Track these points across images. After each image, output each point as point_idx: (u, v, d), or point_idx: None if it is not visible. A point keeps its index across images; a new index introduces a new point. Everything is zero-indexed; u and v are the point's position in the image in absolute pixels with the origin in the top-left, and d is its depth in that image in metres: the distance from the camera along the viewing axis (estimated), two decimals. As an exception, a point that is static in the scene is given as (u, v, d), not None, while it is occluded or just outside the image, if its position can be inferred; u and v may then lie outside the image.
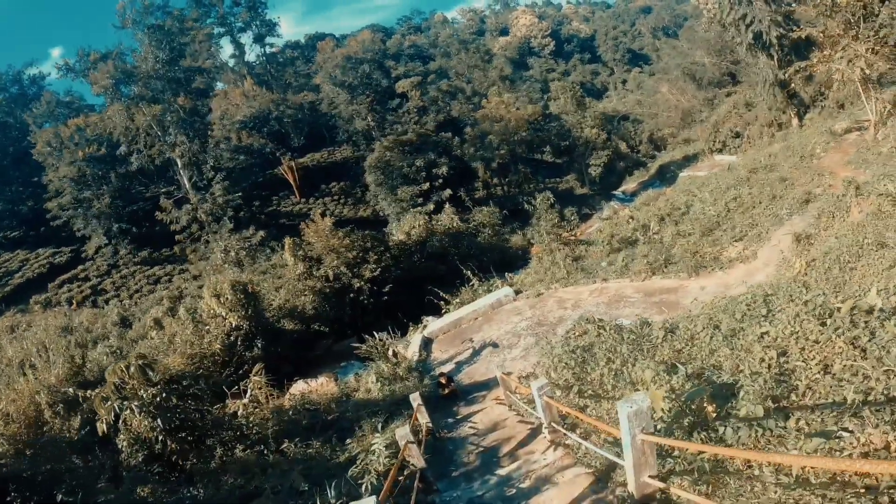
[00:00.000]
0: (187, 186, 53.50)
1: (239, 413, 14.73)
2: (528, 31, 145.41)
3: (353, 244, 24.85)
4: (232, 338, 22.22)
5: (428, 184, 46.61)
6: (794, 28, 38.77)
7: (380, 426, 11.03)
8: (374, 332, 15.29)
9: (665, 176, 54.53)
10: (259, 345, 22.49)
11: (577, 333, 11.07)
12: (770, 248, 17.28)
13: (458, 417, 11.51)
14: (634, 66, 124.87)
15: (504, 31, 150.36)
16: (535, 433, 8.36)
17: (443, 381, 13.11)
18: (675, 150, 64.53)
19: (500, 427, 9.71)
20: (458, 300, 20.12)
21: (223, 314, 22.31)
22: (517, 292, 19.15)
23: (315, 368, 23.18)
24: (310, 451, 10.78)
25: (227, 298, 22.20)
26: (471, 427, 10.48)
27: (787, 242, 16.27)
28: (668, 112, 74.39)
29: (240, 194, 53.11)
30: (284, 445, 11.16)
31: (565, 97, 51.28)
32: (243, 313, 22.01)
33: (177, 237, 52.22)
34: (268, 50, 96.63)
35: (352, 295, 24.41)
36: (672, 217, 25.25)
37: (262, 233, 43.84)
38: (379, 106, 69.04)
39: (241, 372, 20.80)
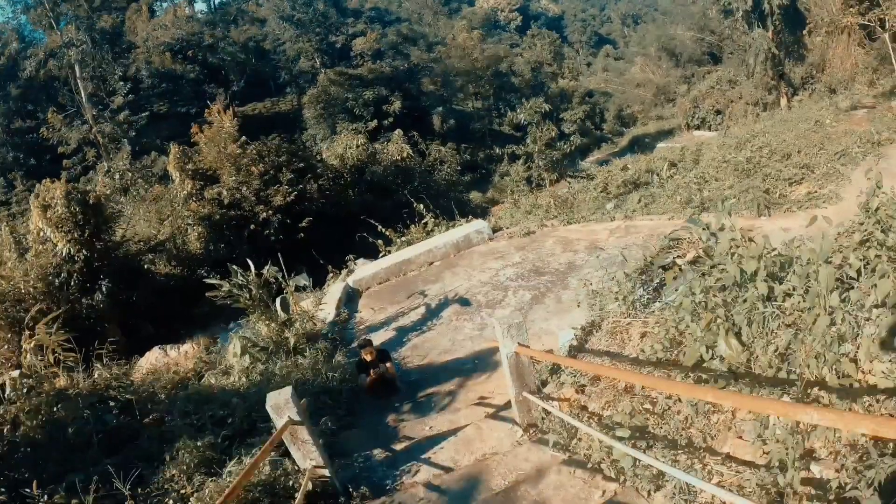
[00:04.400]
0: (83, 100, 43.66)
1: (6, 392, 7.83)
2: (496, 3, 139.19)
3: (262, 156, 17.68)
4: (63, 274, 14.87)
5: (376, 121, 39.26)
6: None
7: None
8: (251, 265, 8.36)
9: (638, 148, 50.13)
10: (104, 288, 15.25)
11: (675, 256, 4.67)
12: (855, 188, 12.41)
13: (399, 447, 4.96)
14: (600, 50, 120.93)
15: (471, 1, 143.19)
16: None
17: (366, 356, 6.51)
18: (647, 125, 60.43)
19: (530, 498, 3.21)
20: (404, 239, 13.50)
21: (51, 236, 14.97)
22: (495, 230, 12.76)
23: (196, 330, 16.26)
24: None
25: (57, 213, 14.82)
26: (432, 488, 3.94)
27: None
28: (640, 89, 69.95)
29: (147, 114, 44.10)
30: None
31: (542, 44, 44.66)
32: (77, 236, 14.71)
33: (64, 162, 42.47)
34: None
35: (253, 227, 17.33)
36: (684, 164, 20.43)
37: (165, 158, 35.39)
38: (328, 47, 60.95)
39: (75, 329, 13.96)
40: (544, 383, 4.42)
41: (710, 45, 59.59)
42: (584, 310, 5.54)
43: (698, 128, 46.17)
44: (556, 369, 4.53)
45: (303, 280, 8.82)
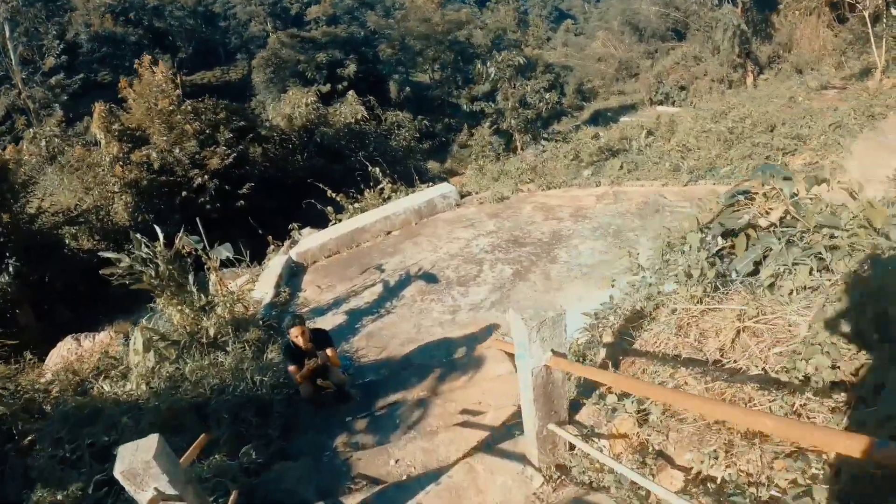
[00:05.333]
0: (13, 63, 39.92)
1: None
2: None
3: (198, 113, 15.51)
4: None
5: (329, 86, 36.79)
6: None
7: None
8: (160, 234, 6.46)
9: (600, 122, 49.29)
10: (12, 268, 13.08)
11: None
12: (857, 159, 11.69)
13: (353, 500, 3.30)
14: (560, 25, 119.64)
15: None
16: None
17: (297, 339, 4.81)
18: (609, 100, 59.65)
19: None
20: (358, 206, 11.76)
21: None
22: (462, 195, 11.17)
23: (119, 315, 14.24)
24: None
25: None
26: None
27: None
28: (601, 64, 68.90)
29: (82, 76, 40.62)
30: None
31: (506, 9, 42.74)
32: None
33: (-9, 132, 38.95)
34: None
35: (186, 194, 15.24)
36: (660, 133, 19.48)
37: (98, 124, 32.47)
38: (282, 12, 57.74)
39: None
40: (574, 405, 2.87)
41: (676, 21, 58.79)
42: (616, 288, 3.95)
43: (661, 103, 45.40)
44: (593, 384, 2.95)
45: (226, 252, 7.01)
